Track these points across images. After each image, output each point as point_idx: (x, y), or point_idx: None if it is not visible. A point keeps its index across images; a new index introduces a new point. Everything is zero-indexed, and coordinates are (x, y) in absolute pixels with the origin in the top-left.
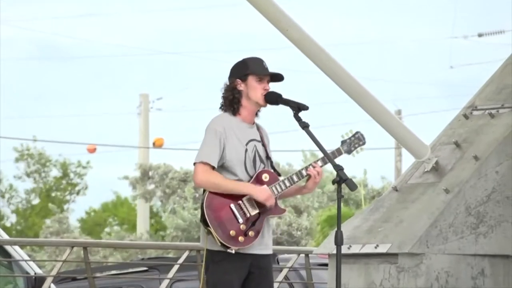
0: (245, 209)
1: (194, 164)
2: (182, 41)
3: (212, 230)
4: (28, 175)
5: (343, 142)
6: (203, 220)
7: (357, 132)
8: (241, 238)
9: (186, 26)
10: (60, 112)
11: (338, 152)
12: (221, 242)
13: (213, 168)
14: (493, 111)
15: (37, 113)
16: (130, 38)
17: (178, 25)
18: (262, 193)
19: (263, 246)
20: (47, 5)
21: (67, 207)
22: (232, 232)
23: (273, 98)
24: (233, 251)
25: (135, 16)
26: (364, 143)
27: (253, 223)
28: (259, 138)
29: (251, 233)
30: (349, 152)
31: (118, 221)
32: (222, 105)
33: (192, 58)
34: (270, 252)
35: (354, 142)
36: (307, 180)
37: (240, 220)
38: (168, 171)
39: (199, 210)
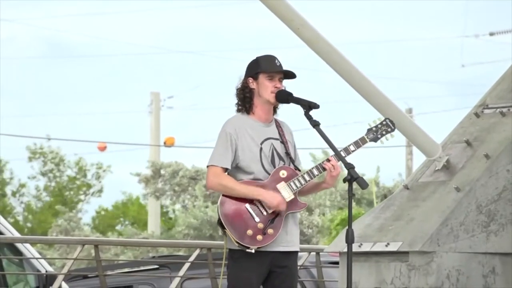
0: (261, 208)
1: (207, 167)
2: (193, 39)
3: (228, 231)
4: (43, 174)
5: (369, 130)
6: (220, 222)
7: (385, 119)
8: (259, 237)
9: (198, 24)
10: (71, 111)
11: (362, 141)
12: (238, 243)
13: (226, 170)
14: (504, 110)
15: (48, 111)
16: (142, 37)
17: (189, 23)
18: (272, 199)
19: (286, 243)
20: (59, 4)
21: (81, 207)
22: (249, 232)
23: (284, 97)
24: (253, 251)
25: (146, 15)
26: (393, 130)
27: (272, 220)
28: (277, 136)
29: (270, 231)
30: (375, 140)
31: (128, 220)
32: (236, 105)
33: (204, 56)
34: (295, 249)
35: (382, 129)
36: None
37: (257, 219)
38: (179, 169)
39: (212, 209)
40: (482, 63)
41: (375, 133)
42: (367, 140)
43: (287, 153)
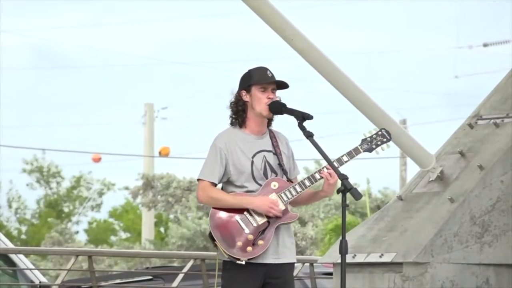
0: (251, 219)
1: (198, 180)
2: (187, 50)
3: (218, 243)
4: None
5: (363, 141)
6: (210, 235)
7: (381, 129)
8: (249, 248)
9: (191, 35)
10: (65, 122)
11: (355, 151)
12: (228, 255)
13: (214, 184)
14: (498, 121)
15: (41, 122)
16: (135, 48)
17: (183, 35)
18: (262, 203)
19: (278, 255)
20: (52, 15)
21: (77, 219)
22: (239, 244)
23: (278, 108)
24: (243, 262)
25: (140, 26)
26: (388, 140)
27: (263, 231)
28: (269, 148)
29: (260, 242)
30: (370, 150)
31: (123, 228)
32: (230, 118)
33: (197, 67)
34: (287, 260)
35: (377, 140)
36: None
37: (247, 231)
38: (172, 180)
39: (206, 220)
40: (475, 74)
41: (370, 144)
42: (361, 150)
43: (280, 165)
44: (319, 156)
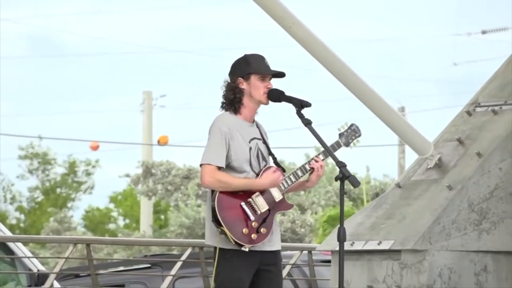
0: (255, 206)
1: (201, 165)
2: (186, 38)
3: (225, 229)
4: (31, 172)
5: (340, 135)
6: (216, 220)
7: (352, 125)
8: (254, 236)
9: (190, 23)
10: (63, 110)
11: (337, 145)
12: (235, 241)
13: (220, 168)
14: (496, 108)
15: (40, 110)
16: (134, 36)
17: (181, 22)
18: (269, 180)
19: (271, 242)
20: (52, 3)
21: (71, 205)
22: (245, 230)
23: (276, 96)
24: (247, 249)
25: (138, 14)
26: (359, 135)
27: (264, 219)
28: (259, 136)
29: (263, 229)
30: (347, 144)
31: (122, 214)
32: (223, 104)
33: (196, 55)
34: (278, 248)
35: (351, 135)
36: (310, 173)
37: (252, 218)
38: (171, 168)
39: (205, 208)
40: (474, 61)
41: (346, 138)
42: (342, 144)
43: (270, 153)
44: (318, 144)
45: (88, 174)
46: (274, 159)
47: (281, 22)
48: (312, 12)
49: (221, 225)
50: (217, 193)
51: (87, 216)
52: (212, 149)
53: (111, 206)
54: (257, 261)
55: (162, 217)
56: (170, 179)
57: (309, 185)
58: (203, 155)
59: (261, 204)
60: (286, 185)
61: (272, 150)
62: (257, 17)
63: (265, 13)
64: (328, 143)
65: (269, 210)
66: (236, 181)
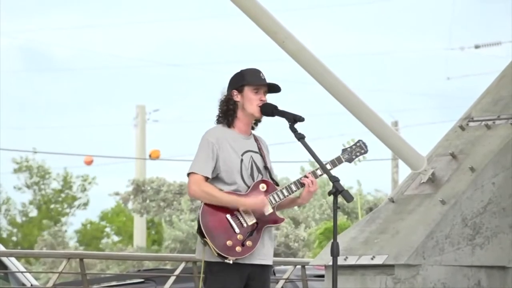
0: (241, 219)
1: (188, 175)
2: (179, 53)
3: (208, 240)
4: (28, 186)
5: (344, 151)
6: (199, 231)
7: (359, 141)
8: (238, 248)
9: (183, 37)
10: (56, 124)
11: (338, 161)
12: (217, 253)
13: (207, 179)
14: (490, 123)
15: (34, 124)
16: (127, 49)
17: (174, 36)
18: (254, 203)
19: (263, 256)
20: (45, 17)
21: (66, 220)
22: (228, 242)
23: (269, 110)
24: (231, 262)
25: (131, 28)
26: (366, 152)
27: (251, 232)
28: (256, 149)
29: (248, 243)
30: (350, 160)
31: (115, 231)
32: (217, 117)
33: (189, 69)
34: (270, 263)
35: (356, 151)
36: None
37: (237, 230)
38: (162, 184)
39: (196, 222)
40: (467, 75)
41: (350, 154)
42: (343, 160)
43: (266, 167)
44: (312, 158)
45: (84, 190)
46: (269, 173)
47: (274, 36)
48: (304, 26)
49: (204, 237)
50: (203, 204)
51: (81, 230)
52: (199, 159)
53: (104, 223)
54: (245, 274)
55: (153, 232)
56: (162, 196)
57: (301, 201)
58: (190, 165)
59: (248, 217)
60: (277, 199)
61: (269, 164)
62: (251, 31)
63: (258, 28)
64: (329, 158)
65: (257, 223)
66: (222, 196)
